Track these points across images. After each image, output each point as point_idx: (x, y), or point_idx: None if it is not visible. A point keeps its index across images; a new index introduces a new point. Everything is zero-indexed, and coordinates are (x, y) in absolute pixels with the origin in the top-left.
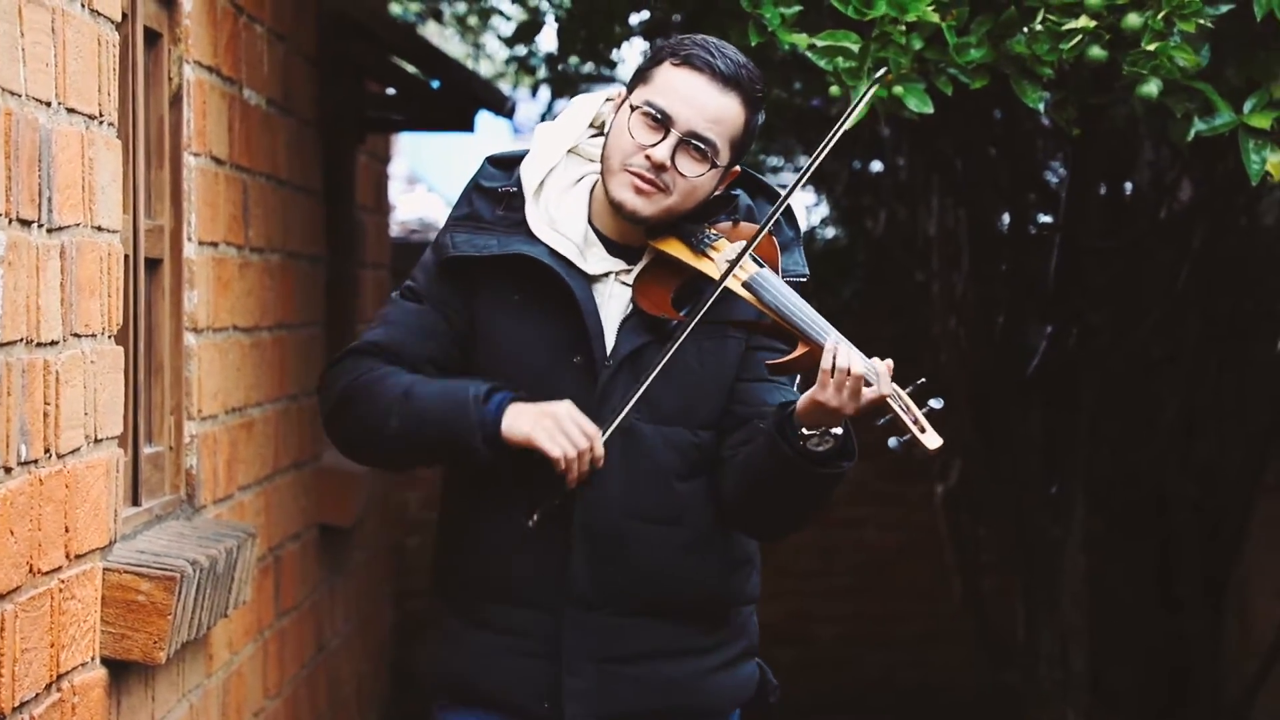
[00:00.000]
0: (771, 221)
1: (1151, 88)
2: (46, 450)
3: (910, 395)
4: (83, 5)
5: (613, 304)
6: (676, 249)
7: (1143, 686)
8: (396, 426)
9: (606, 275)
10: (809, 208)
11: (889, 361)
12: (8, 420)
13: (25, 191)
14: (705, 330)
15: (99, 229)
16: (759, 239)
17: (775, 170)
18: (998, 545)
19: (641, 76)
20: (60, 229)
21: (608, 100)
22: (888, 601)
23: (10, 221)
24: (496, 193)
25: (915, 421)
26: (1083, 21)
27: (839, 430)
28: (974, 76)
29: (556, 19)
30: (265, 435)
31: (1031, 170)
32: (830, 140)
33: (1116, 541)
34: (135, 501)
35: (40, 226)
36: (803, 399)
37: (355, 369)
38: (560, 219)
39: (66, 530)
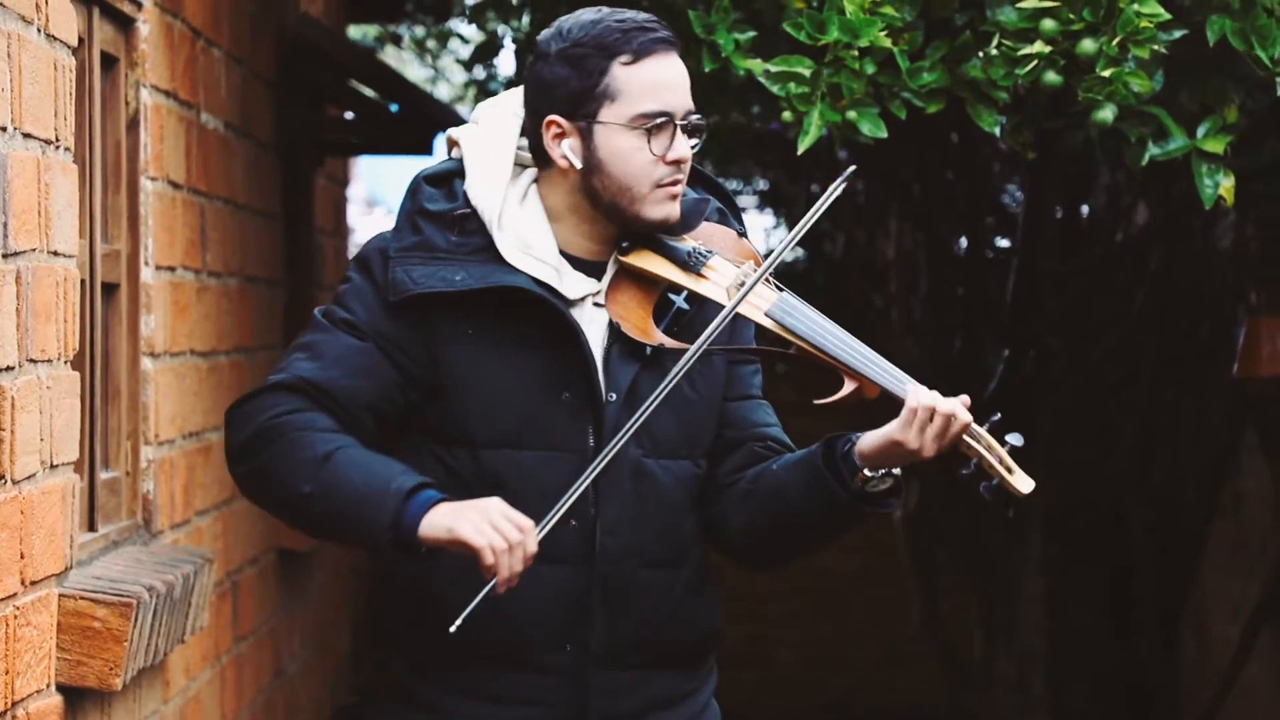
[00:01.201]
0: (786, 247)
1: (1107, 113)
2: (1, 476)
3: (989, 433)
4: (39, 30)
5: (593, 329)
6: (664, 268)
7: (1100, 709)
8: (307, 492)
9: (584, 299)
10: (767, 230)
11: (965, 397)
12: None
13: None
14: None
15: (55, 254)
16: (774, 263)
17: (735, 194)
18: (956, 568)
19: (594, 95)
20: (16, 254)
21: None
22: (847, 624)
23: None
24: (448, 217)
25: (1001, 462)
26: (1038, 47)
27: (898, 471)
28: (929, 101)
29: (514, 41)
30: (223, 460)
31: (988, 194)
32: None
33: (1074, 565)
34: (92, 527)
35: None
36: (873, 439)
37: (281, 404)
38: (533, 242)
39: (22, 556)
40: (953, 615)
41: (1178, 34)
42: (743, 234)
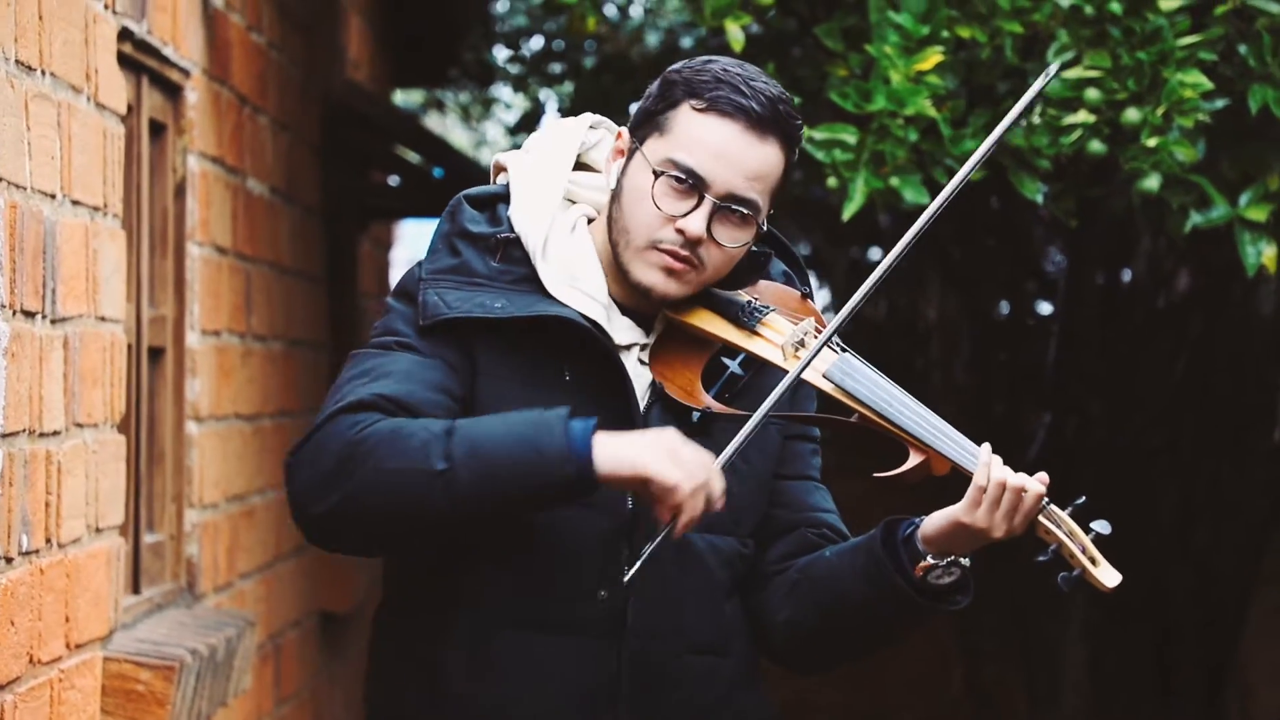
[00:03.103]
0: (859, 304)
1: (1152, 182)
2: (48, 540)
3: (1071, 517)
4: (89, 99)
5: (636, 384)
6: (715, 324)
7: None
8: (442, 469)
9: (630, 348)
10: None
11: (1043, 475)
12: (10, 510)
13: (30, 283)
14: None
15: (102, 319)
16: (841, 324)
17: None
18: (998, 634)
19: (654, 122)
20: (64, 320)
21: (592, 129)
22: (887, 690)
23: (14, 313)
24: (491, 240)
25: (1084, 550)
26: (1082, 116)
27: (966, 560)
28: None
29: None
30: (266, 522)
31: (1030, 259)
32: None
33: (1116, 630)
34: (136, 590)
35: (44, 317)
36: (938, 521)
37: (362, 420)
38: (580, 276)
39: (67, 620)
40: (995, 681)
41: (1220, 104)
42: (807, 295)
